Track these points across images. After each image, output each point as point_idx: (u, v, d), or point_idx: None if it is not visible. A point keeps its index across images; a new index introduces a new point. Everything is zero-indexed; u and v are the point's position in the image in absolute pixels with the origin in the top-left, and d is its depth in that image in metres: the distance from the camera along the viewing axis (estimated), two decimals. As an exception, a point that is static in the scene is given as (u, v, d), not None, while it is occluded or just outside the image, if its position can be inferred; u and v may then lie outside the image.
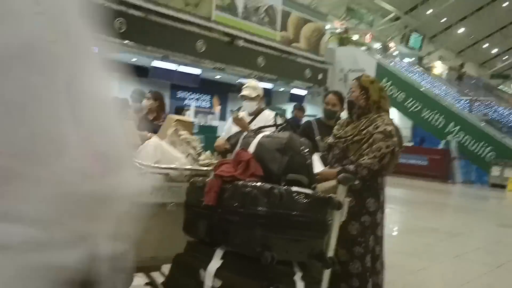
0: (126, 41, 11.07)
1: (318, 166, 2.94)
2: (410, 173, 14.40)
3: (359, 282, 2.98)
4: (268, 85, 15.64)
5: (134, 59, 13.39)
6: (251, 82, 4.36)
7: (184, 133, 3.01)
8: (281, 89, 17.53)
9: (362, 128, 3.06)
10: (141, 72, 13.46)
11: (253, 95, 4.17)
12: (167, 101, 5.76)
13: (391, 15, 25.32)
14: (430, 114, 17.34)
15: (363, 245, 3.02)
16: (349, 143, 3.08)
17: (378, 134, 2.97)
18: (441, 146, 17.02)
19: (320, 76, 17.21)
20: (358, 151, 3.03)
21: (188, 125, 3.37)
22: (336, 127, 3.31)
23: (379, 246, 3.12)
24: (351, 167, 2.93)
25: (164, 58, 12.44)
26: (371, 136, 2.99)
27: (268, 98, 16.94)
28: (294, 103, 9.13)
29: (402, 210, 9.72)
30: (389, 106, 3.22)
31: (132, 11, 10.99)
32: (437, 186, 14.60)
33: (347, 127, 3.18)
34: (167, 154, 2.79)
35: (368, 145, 2.99)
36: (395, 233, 7.26)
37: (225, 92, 17.62)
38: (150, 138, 3.17)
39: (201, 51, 12.84)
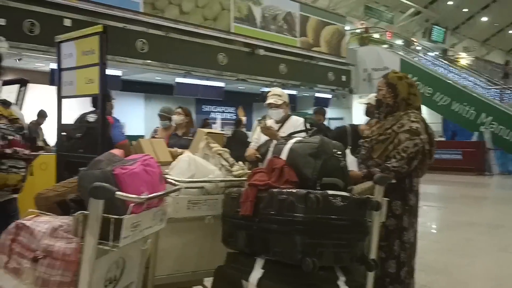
0: (149, 61, 11.26)
1: (351, 167, 2.90)
2: (444, 168, 14.06)
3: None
4: (292, 92, 15.62)
5: (158, 78, 13.60)
6: (276, 90, 4.36)
7: (215, 146, 3.03)
8: (306, 94, 17.48)
9: (387, 127, 2.92)
10: (166, 89, 13.67)
11: (279, 102, 4.16)
12: (193, 115, 5.82)
13: (411, 10, 24.97)
14: (459, 106, 16.96)
15: (385, 250, 2.85)
16: (374, 143, 2.95)
17: (404, 133, 2.82)
18: (474, 138, 16.61)
19: (343, 78, 17.11)
20: (384, 152, 2.89)
21: (218, 138, 3.40)
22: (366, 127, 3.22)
23: (404, 252, 2.91)
24: (377, 170, 2.80)
25: (187, 74, 12.59)
26: (396, 135, 2.86)
27: (292, 104, 16.93)
28: (319, 107, 9.08)
29: (439, 206, 9.51)
30: (420, 103, 3.04)
31: (152, 31, 11.17)
32: (473, 179, 14.21)
33: (375, 126, 3.09)
34: (201, 167, 2.81)
35: (394, 146, 2.84)
36: (433, 231, 7.10)
37: (249, 102, 17.69)
38: (180, 154, 3.20)
39: (223, 63, 12.94)
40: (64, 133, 4.09)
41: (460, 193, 11.87)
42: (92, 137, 3.89)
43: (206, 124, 11.25)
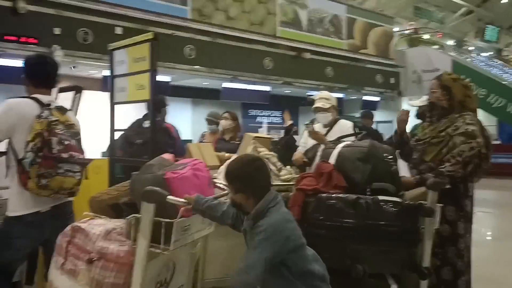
0: (197, 66, 11.43)
1: (402, 172, 2.82)
2: (500, 173, 13.42)
3: None
4: (339, 95, 15.42)
5: (205, 83, 13.79)
6: (323, 93, 4.31)
7: (263, 150, 3.03)
8: (353, 98, 17.23)
9: (441, 129, 2.83)
10: (213, 94, 13.83)
11: (327, 106, 4.11)
12: (240, 120, 5.86)
13: (463, 10, 24.16)
14: (517, 108, 16.24)
15: (440, 257, 2.76)
16: (427, 146, 2.86)
17: (459, 136, 2.73)
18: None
19: (392, 80, 16.72)
20: (437, 155, 2.80)
21: (266, 142, 3.40)
22: (418, 129, 3.13)
23: (462, 260, 2.81)
24: (430, 176, 2.69)
25: (233, 79, 12.70)
26: (450, 138, 2.77)
27: (339, 107, 16.72)
28: (367, 110, 8.85)
29: (495, 213, 9.11)
30: (475, 105, 2.95)
31: (200, 37, 11.34)
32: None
33: (427, 129, 3.00)
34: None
35: (448, 149, 2.75)
36: (490, 238, 6.81)
37: (295, 106, 17.62)
38: (228, 158, 3.23)
39: (269, 68, 12.96)
40: (125, 139, 4.18)
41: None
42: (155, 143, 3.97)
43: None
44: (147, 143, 3.93)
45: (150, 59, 3.10)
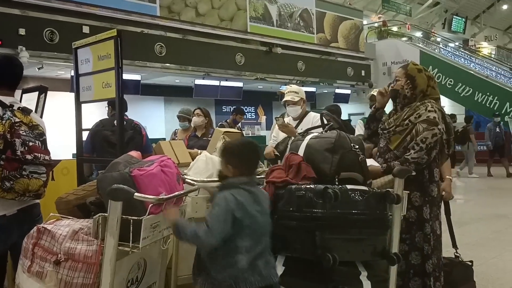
0: (168, 64, 11.35)
1: (369, 162, 2.86)
2: (470, 160, 13.78)
3: (402, 281, 2.79)
4: (311, 89, 15.53)
5: (177, 81, 13.70)
6: (292, 87, 4.34)
7: (232, 145, 3.02)
8: (325, 91, 17.38)
9: (405, 118, 2.90)
10: (185, 92, 13.75)
11: (296, 99, 4.14)
12: (213, 116, 5.83)
13: (429, 1, 24.57)
14: (483, 96, 16.61)
15: (408, 242, 2.83)
16: (391, 134, 2.94)
17: (421, 123, 2.80)
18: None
19: (363, 73, 16.94)
20: (401, 143, 2.87)
21: (236, 137, 3.40)
22: (384, 118, 3.17)
23: (428, 244, 2.86)
24: (396, 164, 2.76)
25: (206, 76, 12.65)
26: (413, 126, 2.84)
27: (312, 101, 16.84)
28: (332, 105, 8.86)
29: (466, 198, 9.33)
30: (437, 96, 3.01)
31: (170, 34, 11.26)
32: (500, 170, 13.89)
33: (391, 118, 3.05)
34: (219, 166, 2.81)
35: (412, 137, 2.83)
36: (460, 224, 6.96)
37: (268, 101, 17.67)
38: (200, 154, 3.22)
39: (241, 63, 12.96)
40: (103, 139, 4.07)
41: (488, 185, 11.64)
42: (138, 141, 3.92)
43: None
44: (128, 142, 3.88)
45: (115, 56, 3.06)
